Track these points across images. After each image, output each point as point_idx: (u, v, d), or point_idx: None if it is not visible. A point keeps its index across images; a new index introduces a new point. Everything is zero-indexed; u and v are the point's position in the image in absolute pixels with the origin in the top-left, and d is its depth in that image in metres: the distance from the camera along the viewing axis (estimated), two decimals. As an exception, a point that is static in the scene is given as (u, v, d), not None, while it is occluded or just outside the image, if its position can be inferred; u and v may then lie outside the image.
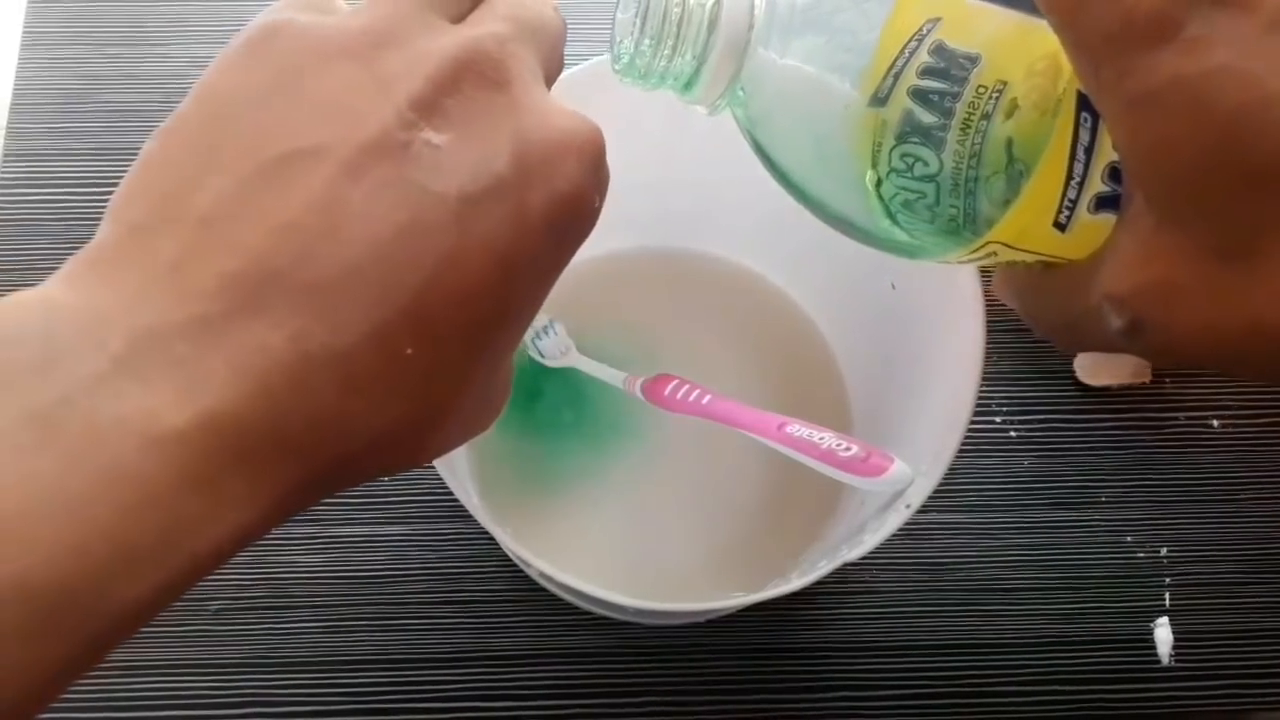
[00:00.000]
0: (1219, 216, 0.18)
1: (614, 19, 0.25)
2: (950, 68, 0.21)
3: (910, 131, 0.22)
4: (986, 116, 0.21)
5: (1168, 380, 0.46)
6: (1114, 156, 0.21)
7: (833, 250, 0.41)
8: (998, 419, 0.45)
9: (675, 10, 0.23)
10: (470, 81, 0.20)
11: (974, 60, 0.21)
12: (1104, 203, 0.21)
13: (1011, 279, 0.25)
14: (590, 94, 0.36)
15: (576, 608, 0.40)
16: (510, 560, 0.42)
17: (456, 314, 0.19)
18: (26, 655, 0.15)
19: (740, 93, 0.25)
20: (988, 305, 0.33)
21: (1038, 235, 0.22)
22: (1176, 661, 0.42)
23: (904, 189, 0.22)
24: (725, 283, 0.45)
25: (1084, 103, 0.20)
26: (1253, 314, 0.18)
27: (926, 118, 0.21)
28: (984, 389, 0.32)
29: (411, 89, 0.19)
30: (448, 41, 0.20)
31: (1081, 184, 0.21)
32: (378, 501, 0.43)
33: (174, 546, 0.17)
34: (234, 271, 0.18)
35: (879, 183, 0.23)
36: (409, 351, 0.18)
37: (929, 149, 0.22)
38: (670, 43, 0.24)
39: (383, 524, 0.42)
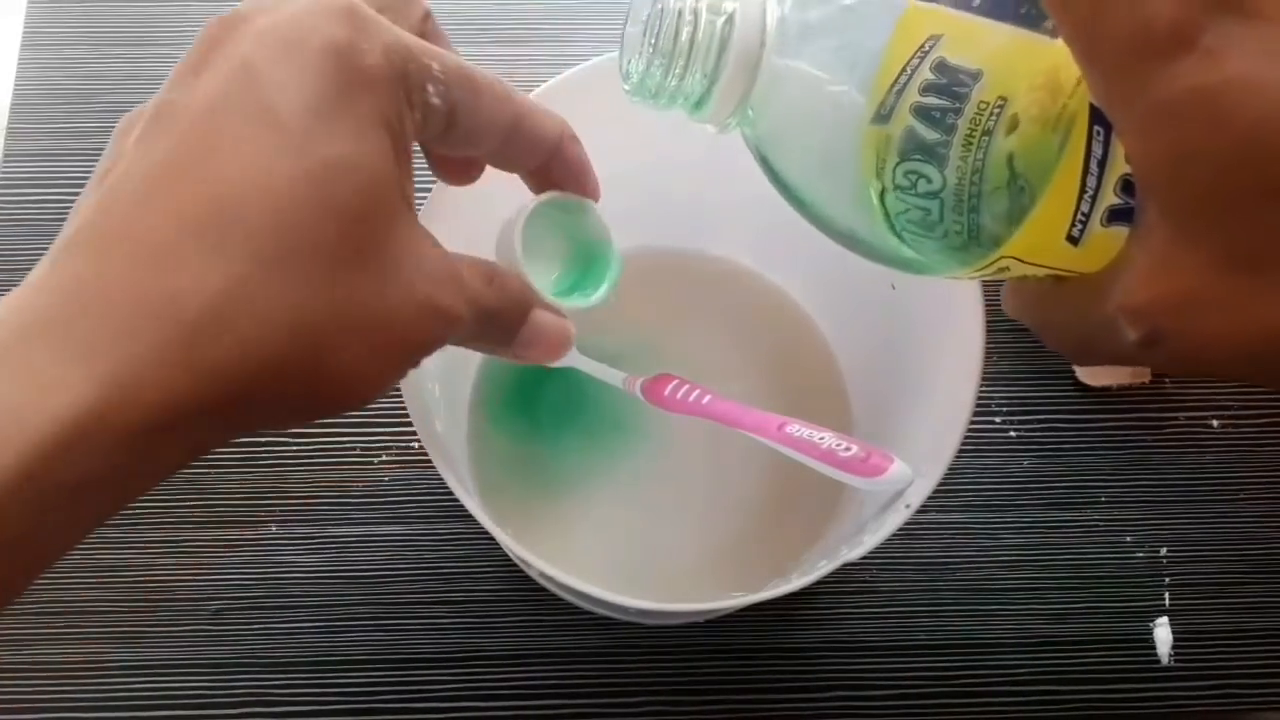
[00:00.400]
0: (1236, 228, 0.18)
1: (622, 33, 0.25)
2: (952, 84, 0.21)
3: (913, 149, 0.22)
4: (988, 133, 0.21)
5: (1167, 381, 0.46)
6: (1127, 169, 0.21)
7: (833, 250, 0.41)
8: (997, 419, 0.45)
9: (687, 29, 0.23)
10: (214, 36, 0.22)
11: (976, 76, 0.21)
12: (1116, 215, 0.21)
13: (1021, 293, 0.25)
14: (590, 93, 0.36)
15: (576, 608, 0.40)
16: (509, 560, 0.42)
17: (229, 170, 0.20)
18: None
19: (749, 112, 0.25)
20: (988, 305, 0.33)
21: (1050, 249, 0.22)
22: (1176, 661, 0.42)
23: (909, 206, 0.22)
24: (725, 282, 0.45)
25: (1096, 115, 0.20)
26: (1272, 325, 0.18)
27: (929, 135, 0.22)
28: (984, 389, 0.32)
29: (175, 72, 0.22)
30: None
31: (1095, 197, 0.21)
32: (376, 502, 0.43)
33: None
34: (62, 244, 0.21)
35: (883, 197, 0.23)
36: (199, 213, 0.20)
37: (932, 166, 0.22)
38: (681, 63, 0.24)
39: (381, 524, 0.43)
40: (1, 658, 0.40)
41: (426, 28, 0.26)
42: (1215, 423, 0.46)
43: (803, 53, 0.23)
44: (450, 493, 0.30)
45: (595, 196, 0.31)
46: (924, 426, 0.35)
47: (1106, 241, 0.21)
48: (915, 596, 0.42)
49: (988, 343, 0.33)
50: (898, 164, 0.22)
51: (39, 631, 0.41)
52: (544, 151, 0.28)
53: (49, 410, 0.18)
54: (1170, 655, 0.42)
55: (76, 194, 0.23)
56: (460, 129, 0.25)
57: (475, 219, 0.31)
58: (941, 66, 0.21)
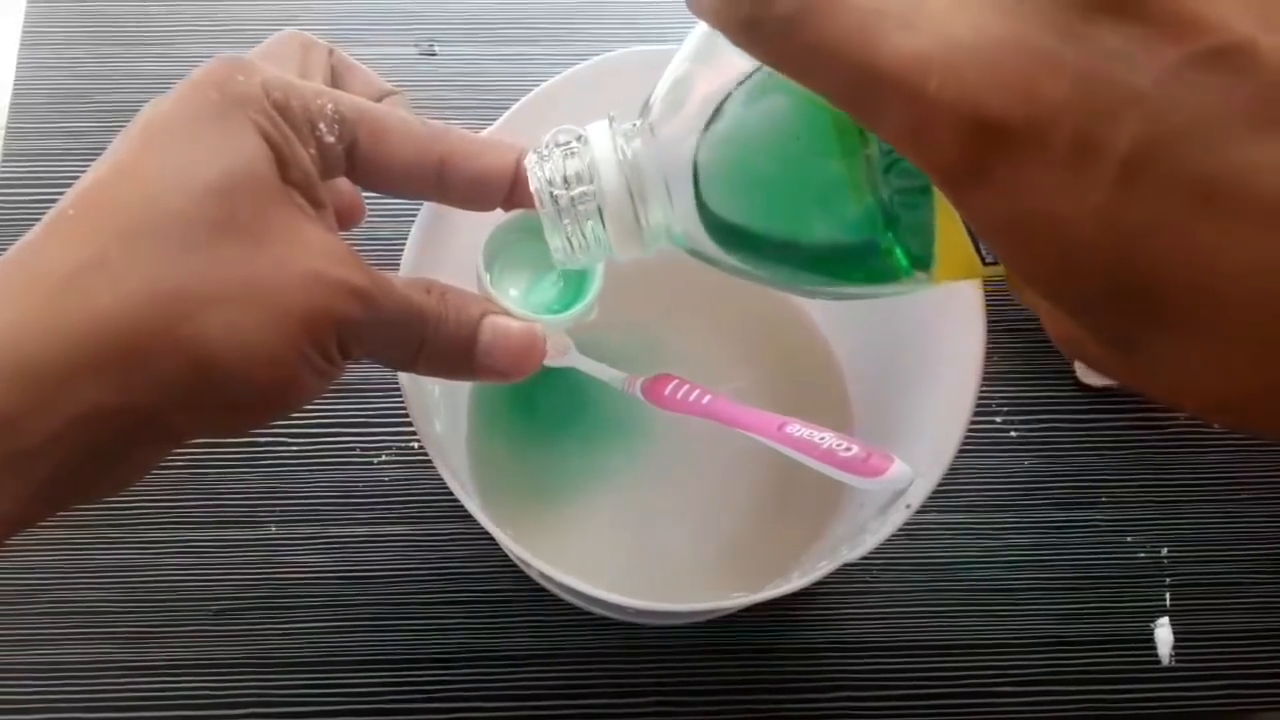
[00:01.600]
0: (1082, 323, 0.18)
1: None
2: None
3: None
4: None
5: (1168, 380, 0.46)
6: None
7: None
8: (998, 419, 0.45)
9: (568, 223, 0.27)
10: None
11: None
12: None
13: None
14: (591, 91, 0.36)
15: (577, 608, 0.40)
16: (510, 560, 0.42)
17: (105, 170, 0.24)
18: None
19: (665, 222, 0.26)
20: (988, 305, 0.33)
21: (978, 271, 0.22)
22: (1177, 662, 0.42)
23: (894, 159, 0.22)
24: (726, 282, 0.45)
25: None
26: (1159, 391, 0.18)
27: None
28: (984, 389, 0.32)
29: None
30: None
31: None
32: (377, 502, 0.43)
33: None
34: None
35: (870, 162, 0.22)
36: (74, 202, 0.24)
37: None
38: (578, 241, 0.27)
39: (383, 524, 0.42)
40: (3, 658, 0.40)
41: (334, 61, 0.29)
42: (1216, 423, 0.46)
43: (726, 122, 0.24)
44: (451, 493, 0.30)
45: None
46: (924, 426, 0.35)
47: None
48: (916, 597, 0.42)
49: (988, 343, 0.33)
50: None
51: (40, 632, 0.41)
52: (495, 187, 0.28)
53: None
54: (1171, 655, 0.42)
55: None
56: (368, 167, 0.27)
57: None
58: None
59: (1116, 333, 0.17)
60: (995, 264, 0.22)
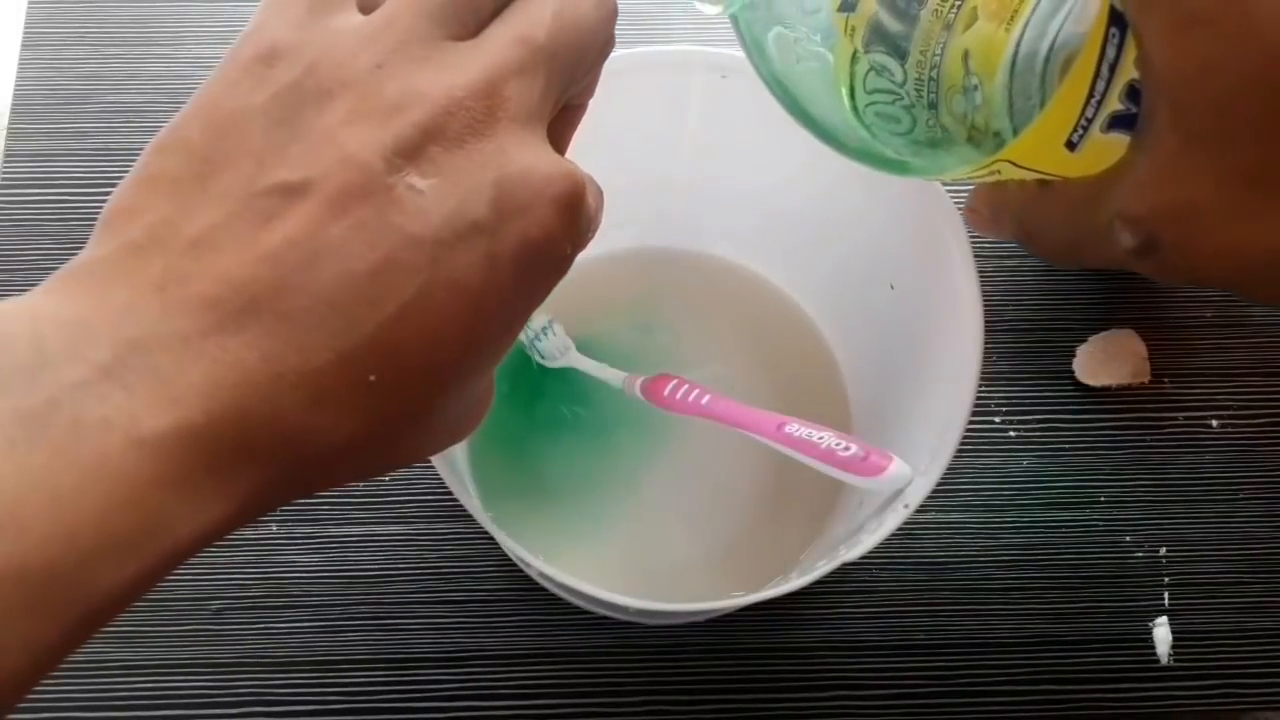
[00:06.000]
0: (1250, 145, 0.17)
1: None
2: None
3: (877, 39, 0.22)
4: (948, 27, 0.21)
5: (1166, 380, 0.46)
6: (1133, 75, 0.20)
7: (833, 250, 0.41)
8: (996, 419, 0.45)
9: None
10: (459, 126, 0.20)
11: None
12: (1117, 122, 0.21)
13: (1007, 200, 0.24)
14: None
15: (575, 607, 0.40)
16: (509, 559, 0.42)
17: (420, 349, 0.20)
18: (24, 632, 0.17)
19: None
20: (987, 305, 0.33)
21: (1048, 154, 0.22)
22: (1175, 661, 0.42)
23: (875, 99, 0.22)
24: (725, 282, 0.45)
25: (1114, 16, 0.20)
26: (1272, 244, 0.18)
27: (893, 25, 0.21)
28: (983, 389, 0.32)
29: (401, 133, 0.20)
30: (444, 81, 0.20)
31: (1101, 102, 0.21)
32: (376, 501, 0.43)
33: (153, 538, 0.18)
34: (215, 296, 0.19)
35: (852, 89, 0.22)
36: (372, 379, 0.20)
37: (894, 59, 0.22)
38: None
39: (381, 523, 0.43)
40: (2, 657, 0.40)
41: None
42: (1214, 423, 0.46)
43: None
44: (450, 492, 0.30)
45: None
46: (923, 426, 0.35)
47: (1103, 148, 0.21)
48: (914, 596, 0.42)
49: (987, 343, 0.33)
50: (863, 53, 0.22)
51: (39, 631, 0.41)
52: None
53: (195, 525, 0.19)
54: (1169, 655, 0.42)
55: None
56: None
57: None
58: None
59: None
60: (1074, 147, 0.21)
